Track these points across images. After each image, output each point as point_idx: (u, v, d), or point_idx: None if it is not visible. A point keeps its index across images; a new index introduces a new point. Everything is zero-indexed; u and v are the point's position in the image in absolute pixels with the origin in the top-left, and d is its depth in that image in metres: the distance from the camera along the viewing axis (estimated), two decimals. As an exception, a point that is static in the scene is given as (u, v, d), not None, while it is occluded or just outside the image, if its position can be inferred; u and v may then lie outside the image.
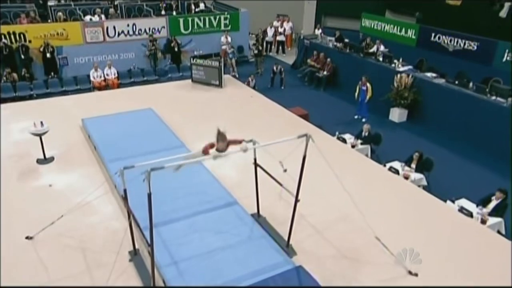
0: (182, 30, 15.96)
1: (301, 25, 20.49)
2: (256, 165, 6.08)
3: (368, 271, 5.33)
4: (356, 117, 12.16)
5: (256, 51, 16.17)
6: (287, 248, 5.73)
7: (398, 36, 15.34)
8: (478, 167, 9.45)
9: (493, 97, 10.07)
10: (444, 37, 13.89)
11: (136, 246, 5.54)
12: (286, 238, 5.78)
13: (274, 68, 14.62)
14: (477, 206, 6.90)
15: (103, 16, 15.26)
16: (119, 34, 14.81)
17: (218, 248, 5.50)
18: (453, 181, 8.49)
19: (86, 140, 8.80)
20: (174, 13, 16.86)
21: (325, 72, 14.63)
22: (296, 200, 5.43)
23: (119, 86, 13.66)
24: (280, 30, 19.02)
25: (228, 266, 5.18)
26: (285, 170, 5.67)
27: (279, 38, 18.98)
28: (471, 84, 10.82)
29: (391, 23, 15.88)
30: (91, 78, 13.60)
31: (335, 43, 15.10)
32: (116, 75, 13.88)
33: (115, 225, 6.08)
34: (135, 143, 8.13)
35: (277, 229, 6.08)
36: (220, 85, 12.17)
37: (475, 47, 12.94)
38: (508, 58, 12.06)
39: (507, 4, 13.34)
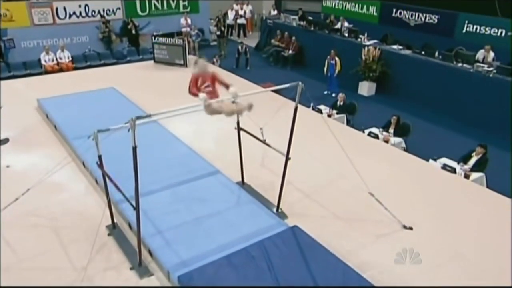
0: (139, 11, 15.27)
1: (261, 7, 20.27)
2: (239, 129, 5.82)
3: (362, 228, 5.19)
4: (326, 92, 12.12)
5: (218, 33, 15.77)
6: (278, 212, 5.51)
7: (361, 14, 15.49)
8: (450, 131, 9.66)
9: (459, 64, 10.30)
10: (405, 12, 14.15)
11: (115, 220, 5.09)
12: (274, 204, 5.55)
13: (239, 48, 14.32)
14: (458, 163, 6.98)
15: (51, -4, 14.27)
16: (70, 16, 13.92)
17: (206, 215, 5.16)
18: (429, 144, 8.59)
19: (44, 121, 8.12)
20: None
21: (290, 51, 14.50)
22: (287, 158, 5.19)
23: (74, 70, 12.82)
24: (241, 13, 18.70)
25: (219, 231, 4.86)
26: (264, 141, 5.41)
27: (240, 21, 18.66)
28: (436, 54, 11.06)
29: (353, 1, 16.00)
30: (43, 62, 12.66)
31: (299, 22, 15.00)
32: (70, 58, 13.03)
33: (87, 201, 5.58)
34: (99, 121, 7.49)
35: (264, 196, 5.84)
36: (185, 64, 11.70)
37: (436, 20, 13.28)
38: (468, 29, 12.47)
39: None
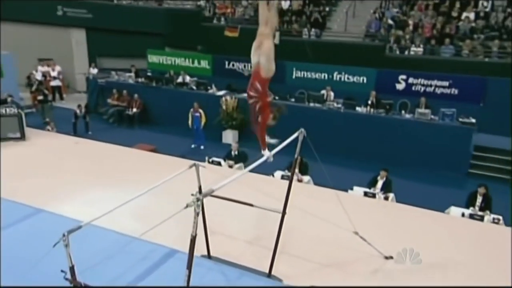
0: None
1: (71, 68, 18.43)
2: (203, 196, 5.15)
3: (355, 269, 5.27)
4: (193, 146, 11.81)
5: (41, 97, 13.50)
6: (270, 277, 5.03)
7: (192, 68, 15.92)
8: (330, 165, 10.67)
9: (312, 104, 11.74)
10: (237, 63, 15.34)
11: None
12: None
13: (77, 111, 12.56)
14: (369, 188, 7.83)
15: None
16: None
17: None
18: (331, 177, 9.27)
19: None
20: None
21: (135, 109, 13.62)
22: (283, 214, 4.87)
23: None
24: (53, 74, 16.55)
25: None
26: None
27: (53, 83, 16.47)
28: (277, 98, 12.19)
29: (182, 56, 16.37)
30: None
31: (138, 79, 14.33)
32: None
33: None
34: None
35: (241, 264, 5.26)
36: (22, 137, 9.60)
37: (268, 69, 14.84)
38: (297, 75, 14.43)
39: (277, 33, 15.95)
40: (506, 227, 6.49)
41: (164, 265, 5.08)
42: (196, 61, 16.04)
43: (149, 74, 14.53)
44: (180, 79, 14.06)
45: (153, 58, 16.92)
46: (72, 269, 3.54)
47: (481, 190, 7.05)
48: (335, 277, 5.11)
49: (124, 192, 7.30)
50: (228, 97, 12.21)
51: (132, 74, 14.53)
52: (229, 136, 12.33)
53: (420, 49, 14.34)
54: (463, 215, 6.75)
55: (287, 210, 4.92)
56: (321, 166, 5.51)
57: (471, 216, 6.67)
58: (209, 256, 5.46)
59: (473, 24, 15.03)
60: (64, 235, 3.44)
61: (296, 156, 4.88)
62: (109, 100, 14.10)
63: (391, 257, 5.46)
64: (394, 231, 6.13)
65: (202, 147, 11.66)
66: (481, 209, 6.98)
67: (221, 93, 12.87)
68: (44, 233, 5.58)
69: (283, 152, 5.18)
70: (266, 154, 4.33)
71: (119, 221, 6.32)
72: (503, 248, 5.75)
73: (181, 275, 4.77)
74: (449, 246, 5.86)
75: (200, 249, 5.49)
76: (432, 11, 15.92)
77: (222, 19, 17.68)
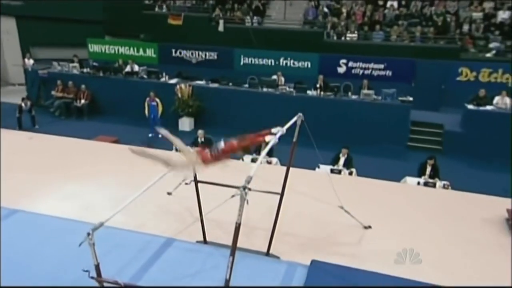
0: None
1: (1, 60, 16.69)
2: (197, 182, 5.16)
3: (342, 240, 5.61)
4: (151, 135, 11.43)
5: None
6: (269, 255, 5.20)
7: (137, 57, 15.25)
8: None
9: (265, 89, 11.87)
10: (185, 51, 14.96)
11: None
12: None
13: (22, 104, 11.49)
14: (333, 165, 8.20)
15: None
16: None
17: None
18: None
19: None
20: None
21: (83, 101, 12.78)
22: (282, 196, 5.03)
23: None
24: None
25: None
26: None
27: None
28: (230, 83, 12.24)
29: (126, 45, 15.57)
30: None
31: (82, 70, 13.41)
32: None
33: None
34: None
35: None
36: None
37: (216, 56, 14.70)
38: (244, 61, 14.45)
39: (221, 21, 15.79)
40: (455, 190, 7.22)
41: (164, 254, 5.01)
42: (141, 50, 15.41)
43: (95, 64, 13.62)
44: (128, 68, 13.40)
45: (94, 47, 15.93)
46: (97, 267, 3.39)
47: (430, 161, 7.73)
48: (326, 249, 5.37)
49: (98, 185, 7.03)
50: (182, 85, 11.92)
51: (76, 65, 13.55)
52: (186, 124, 12.11)
53: (355, 35, 15.06)
54: (418, 183, 7.38)
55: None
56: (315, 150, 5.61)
57: (425, 184, 7.32)
58: (205, 241, 5.45)
59: (397, 12, 16.05)
60: (89, 234, 3.28)
61: (294, 140, 4.96)
62: (53, 92, 13.07)
63: (370, 227, 5.87)
64: (366, 203, 6.55)
65: (160, 136, 11.31)
66: (430, 177, 7.67)
67: (173, 81, 12.52)
68: (32, 233, 5.22)
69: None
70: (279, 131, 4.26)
71: (103, 214, 6.04)
72: (456, 207, 6.46)
73: (184, 262, 4.78)
74: (414, 210, 6.44)
75: (194, 235, 5.51)
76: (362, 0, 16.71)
77: (164, 7, 17.00)
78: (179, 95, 11.83)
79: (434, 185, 7.31)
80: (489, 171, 9.21)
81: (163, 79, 12.69)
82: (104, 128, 11.51)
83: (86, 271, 3.43)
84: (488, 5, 15.77)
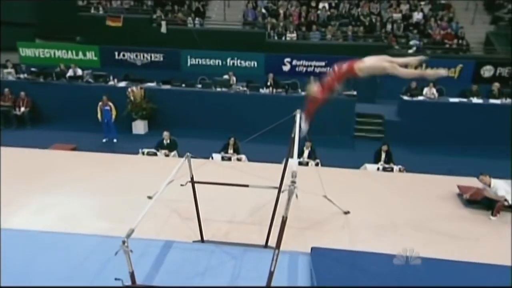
0: None
1: None
2: (193, 182, 5.08)
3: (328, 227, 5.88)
4: (105, 140, 10.79)
5: None
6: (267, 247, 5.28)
7: (77, 60, 14.19)
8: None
9: (218, 89, 11.79)
10: (129, 53, 14.30)
11: None
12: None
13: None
14: (298, 158, 8.44)
15: None
16: None
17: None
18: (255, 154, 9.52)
19: None
20: None
21: (23, 109, 11.65)
22: (280, 191, 5.11)
23: None
24: None
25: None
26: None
27: None
28: (183, 84, 11.93)
29: (63, 48, 14.46)
30: None
31: (18, 75, 12.21)
32: None
33: None
34: None
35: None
36: None
37: (162, 58, 14.26)
38: (192, 62, 14.20)
39: (163, 22, 15.33)
40: (409, 173, 7.87)
41: (168, 256, 4.85)
42: (80, 53, 14.41)
43: (33, 69, 12.46)
44: (71, 73, 12.46)
45: (26, 52, 14.55)
46: (132, 274, 3.23)
47: (384, 147, 8.32)
48: (316, 235, 5.56)
49: (70, 194, 6.57)
50: (134, 88, 11.40)
51: (11, 70, 12.28)
52: (140, 127, 11.62)
53: (294, 35, 15.54)
54: (378, 169, 7.91)
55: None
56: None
57: (384, 169, 7.88)
58: (202, 240, 5.37)
59: (329, 13, 16.87)
60: (124, 242, 3.12)
61: (292, 135, 5.05)
62: (-14, 101, 11.71)
63: (348, 212, 6.19)
64: (338, 191, 6.84)
65: (115, 140, 10.77)
66: (385, 162, 8.26)
67: (122, 84, 11.92)
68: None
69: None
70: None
71: (84, 223, 5.71)
72: (415, 187, 7.08)
73: (190, 261, 4.68)
74: (382, 192, 6.91)
75: (188, 236, 5.41)
76: (296, 1, 17.28)
77: (101, 8, 16.04)
78: (132, 98, 11.29)
79: (392, 170, 7.90)
80: (429, 154, 10.14)
81: (111, 83, 12.00)
82: (52, 136, 10.56)
83: (119, 279, 3.23)
84: (404, 7, 17.24)
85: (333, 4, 17.45)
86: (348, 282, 4.33)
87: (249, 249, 5.11)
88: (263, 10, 16.82)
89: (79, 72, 12.59)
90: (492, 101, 11.08)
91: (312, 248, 4.91)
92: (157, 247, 4.97)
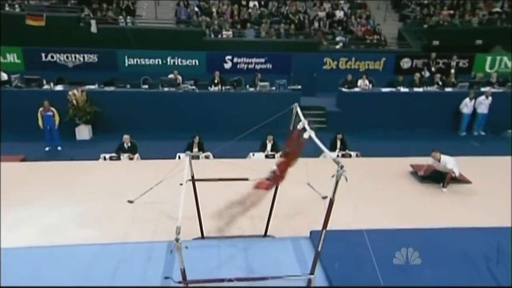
0: None
1: None
2: (194, 180, 5.12)
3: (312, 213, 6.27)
4: (48, 148, 9.97)
5: None
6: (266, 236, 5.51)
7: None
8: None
9: (166, 89, 11.54)
10: (58, 55, 13.25)
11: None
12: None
13: None
14: (262, 151, 8.75)
15: None
16: None
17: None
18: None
19: None
20: None
21: None
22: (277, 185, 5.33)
23: None
24: None
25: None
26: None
27: None
28: (127, 85, 11.47)
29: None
30: None
31: None
32: None
33: None
34: None
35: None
36: None
37: (97, 59, 13.46)
38: (129, 62, 13.64)
39: (93, 22, 14.44)
40: (364, 157, 8.65)
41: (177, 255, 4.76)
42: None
43: None
44: (-5, 77, 11.22)
45: None
46: (183, 272, 3.26)
47: (339, 136, 9.01)
48: (306, 222, 5.88)
49: (42, 206, 6.15)
50: (75, 91, 10.66)
51: None
52: (84, 132, 10.93)
53: (230, 33, 15.75)
54: (338, 156, 8.53)
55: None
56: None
57: (343, 156, 8.54)
58: (202, 236, 5.39)
59: (259, 11, 17.39)
60: (177, 240, 3.15)
61: (291, 127, 5.30)
62: None
63: (326, 197, 6.64)
64: (309, 179, 7.29)
65: (59, 148, 10.03)
66: (341, 149, 8.95)
67: (59, 88, 11.07)
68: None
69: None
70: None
71: (67, 234, 5.39)
72: (371, 169, 7.82)
73: (201, 258, 4.72)
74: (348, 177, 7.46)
75: (184, 234, 5.37)
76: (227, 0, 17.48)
77: (17, 6, 14.55)
78: (74, 102, 10.55)
79: (350, 156, 8.59)
80: (371, 140, 11.13)
81: (46, 87, 11.07)
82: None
83: (168, 277, 3.22)
84: (327, 6, 18.46)
85: (263, 3, 18.01)
86: (351, 257, 4.76)
87: (251, 240, 5.27)
88: (196, 9, 16.73)
89: (4, 76, 11.37)
90: (416, 89, 12.52)
91: (311, 232, 5.25)
92: (161, 249, 4.90)
